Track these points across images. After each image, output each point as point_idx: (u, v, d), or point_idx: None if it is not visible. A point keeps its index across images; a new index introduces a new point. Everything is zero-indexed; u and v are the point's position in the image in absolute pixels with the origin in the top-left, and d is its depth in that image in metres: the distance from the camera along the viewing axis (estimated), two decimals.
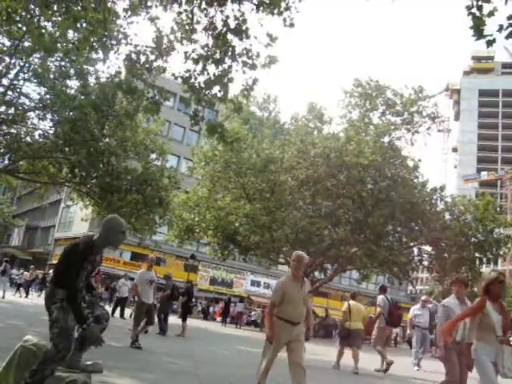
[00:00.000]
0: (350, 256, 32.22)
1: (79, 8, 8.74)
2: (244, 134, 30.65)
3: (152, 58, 8.57)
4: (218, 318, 36.64)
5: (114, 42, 8.83)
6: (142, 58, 8.57)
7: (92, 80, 23.14)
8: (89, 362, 4.86)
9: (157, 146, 27.91)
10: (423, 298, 16.54)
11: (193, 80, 8.46)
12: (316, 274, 36.65)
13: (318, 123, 34.65)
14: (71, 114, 22.16)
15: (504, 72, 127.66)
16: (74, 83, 23.42)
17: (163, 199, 26.09)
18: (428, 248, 35.36)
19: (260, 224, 28.64)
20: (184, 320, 16.49)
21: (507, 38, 5.95)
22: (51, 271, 39.45)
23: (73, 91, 23.07)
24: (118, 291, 22.79)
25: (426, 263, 37.09)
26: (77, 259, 4.56)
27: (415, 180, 32.63)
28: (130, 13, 8.58)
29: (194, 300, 18.02)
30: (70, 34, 16.40)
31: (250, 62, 8.38)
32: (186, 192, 33.49)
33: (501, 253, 34.00)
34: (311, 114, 34.65)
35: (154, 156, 28.14)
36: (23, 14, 13.36)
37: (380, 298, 13.27)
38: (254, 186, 31.00)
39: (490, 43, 6.05)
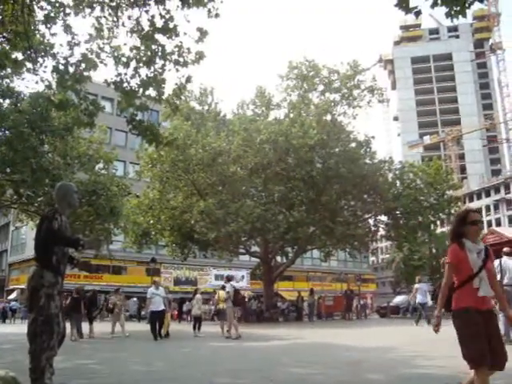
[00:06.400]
0: (309, 236, 32.43)
1: None
2: (187, 130, 30.26)
3: (82, 67, 8.25)
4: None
5: (38, 55, 8.51)
6: (71, 69, 8.24)
7: (24, 97, 22.34)
8: None
9: (101, 155, 27.35)
10: (505, 249, 11.82)
11: (126, 84, 8.24)
12: (278, 258, 36.80)
13: (264, 109, 34.46)
14: (7, 133, 21.44)
15: (432, 38, 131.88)
16: (5, 102, 22.58)
17: (115, 208, 25.66)
18: (384, 218, 35.99)
19: (215, 219, 28.41)
20: (90, 323, 18.64)
21: (432, 7, 6.09)
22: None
23: (5, 110, 22.21)
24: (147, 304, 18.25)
25: (383, 232, 37.92)
26: (48, 226, 4.97)
27: (363, 153, 32.87)
28: (48, 22, 8.28)
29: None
30: None
31: (181, 60, 8.21)
32: (136, 196, 32.97)
33: (452, 211, 34.82)
34: (260, 99, 34.34)
35: (100, 165, 27.62)
36: None
37: (228, 285, 17.06)
38: (204, 181, 30.74)
39: (417, 14, 6.22)
